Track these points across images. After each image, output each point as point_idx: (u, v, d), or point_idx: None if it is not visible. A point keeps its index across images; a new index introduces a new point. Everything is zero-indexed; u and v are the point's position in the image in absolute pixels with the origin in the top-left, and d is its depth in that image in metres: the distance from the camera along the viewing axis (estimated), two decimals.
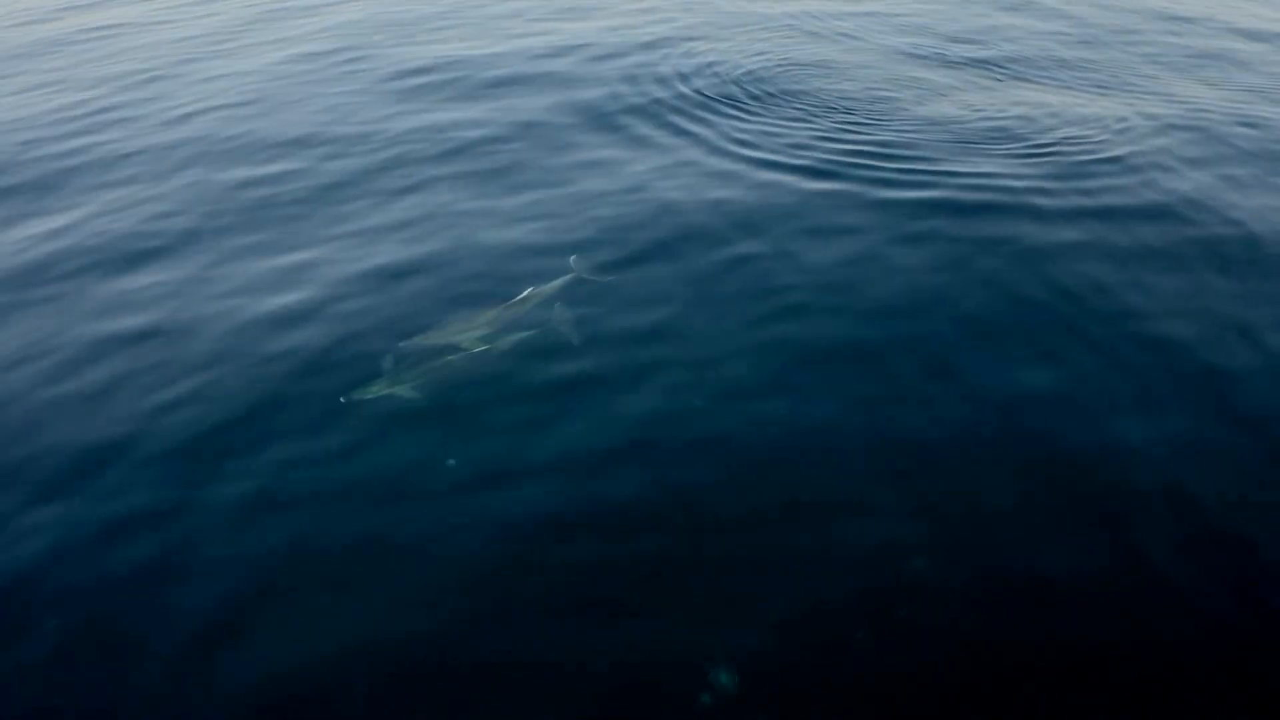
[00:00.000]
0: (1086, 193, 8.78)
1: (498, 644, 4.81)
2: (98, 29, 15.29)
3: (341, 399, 6.12)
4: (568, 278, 7.45)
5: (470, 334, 6.76)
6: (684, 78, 11.68)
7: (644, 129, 10.29)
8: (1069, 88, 11.54)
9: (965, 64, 12.40)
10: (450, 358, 6.54)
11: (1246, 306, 7.19)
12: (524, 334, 6.84)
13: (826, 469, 5.83)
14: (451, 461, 5.83)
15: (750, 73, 11.79)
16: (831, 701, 4.55)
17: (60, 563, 5.25)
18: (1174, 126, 10.19)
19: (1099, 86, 11.58)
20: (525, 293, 7.20)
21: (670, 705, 4.53)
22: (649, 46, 12.86)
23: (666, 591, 5.05)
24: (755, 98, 11.04)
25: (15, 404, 6.38)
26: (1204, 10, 15.32)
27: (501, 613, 4.98)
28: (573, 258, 7.75)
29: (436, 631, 4.89)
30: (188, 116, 11.13)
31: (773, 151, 9.63)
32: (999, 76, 11.90)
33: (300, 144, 10.18)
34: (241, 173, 9.56)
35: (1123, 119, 10.38)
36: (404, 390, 6.24)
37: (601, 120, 10.52)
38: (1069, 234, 8.10)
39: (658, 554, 5.25)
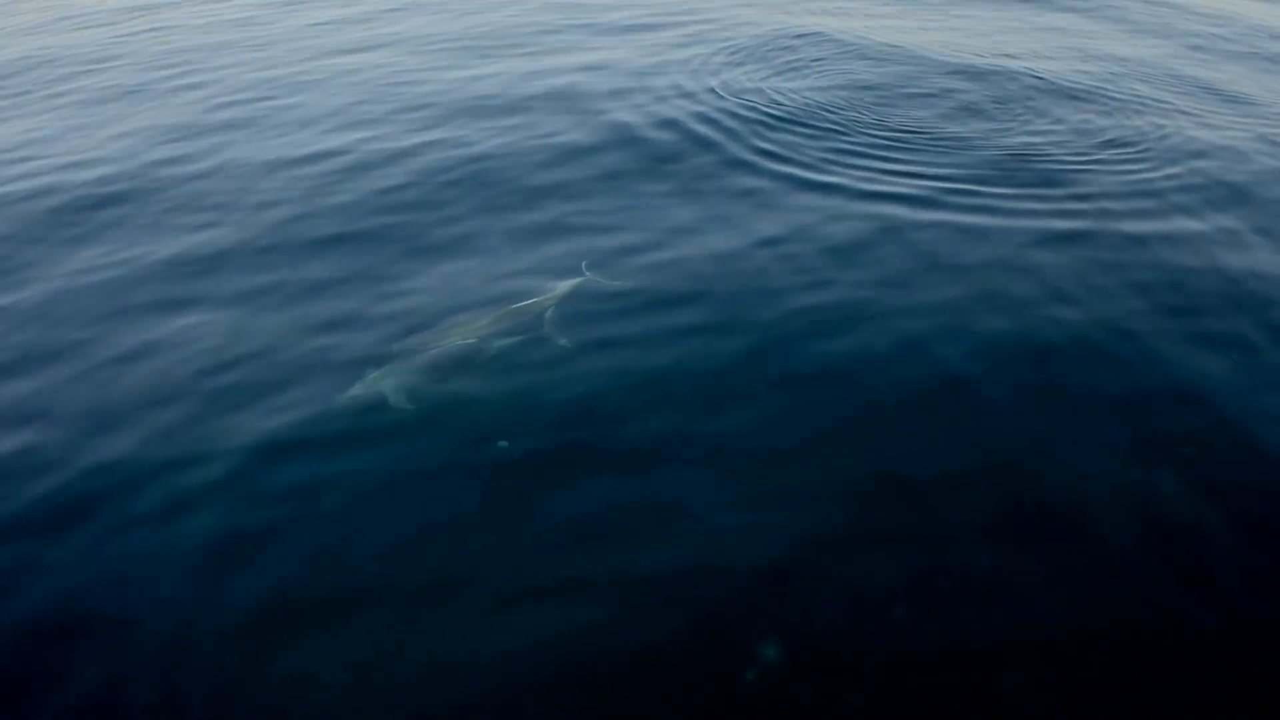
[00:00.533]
0: (1107, 214, 8.83)
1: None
2: (147, 32, 15.83)
3: (339, 396, 6.28)
4: (576, 281, 7.60)
5: (468, 334, 6.88)
6: (714, 93, 11.78)
7: (672, 144, 10.38)
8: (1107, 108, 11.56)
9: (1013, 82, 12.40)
10: (444, 356, 6.68)
11: None
12: (518, 338, 6.92)
13: (844, 454, 6.03)
14: (503, 443, 6.03)
15: (782, 90, 11.89)
16: (871, 676, 4.66)
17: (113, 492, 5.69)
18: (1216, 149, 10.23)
19: (1147, 106, 11.54)
20: (532, 299, 7.32)
21: (715, 674, 4.68)
22: (684, 64, 13.01)
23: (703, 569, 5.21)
24: (784, 110, 11.14)
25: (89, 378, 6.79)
26: None
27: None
28: (585, 263, 7.89)
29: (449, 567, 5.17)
30: (223, 125, 11.42)
31: (799, 166, 9.73)
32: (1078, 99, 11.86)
33: (332, 155, 10.43)
34: (276, 178, 9.88)
35: (1167, 137, 10.46)
36: (400, 384, 6.37)
37: (630, 136, 10.58)
38: (1087, 253, 8.18)
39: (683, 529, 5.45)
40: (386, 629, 4.94)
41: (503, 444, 6.02)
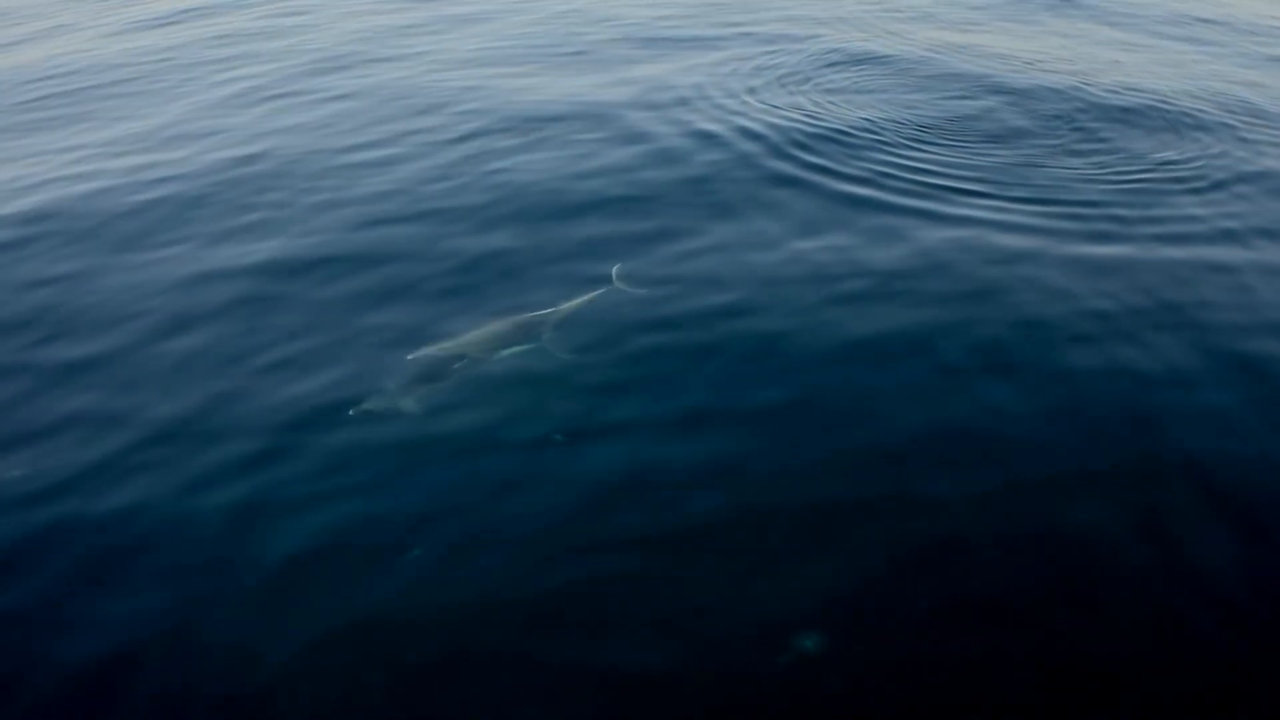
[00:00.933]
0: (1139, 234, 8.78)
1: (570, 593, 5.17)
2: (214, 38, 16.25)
3: (350, 411, 6.26)
4: (599, 291, 7.54)
5: (487, 340, 6.83)
6: (753, 106, 11.81)
7: (709, 158, 10.33)
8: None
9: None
10: (456, 368, 6.66)
11: None
12: (533, 344, 6.86)
13: (873, 447, 6.17)
14: (559, 436, 6.19)
15: (822, 105, 11.84)
16: (898, 669, 4.78)
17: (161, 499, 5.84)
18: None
19: (1198, 125, 11.29)
20: (550, 308, 7.25)
21: (751, 663, 4.81)
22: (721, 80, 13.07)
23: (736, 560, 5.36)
24: (823, 124, 11.11)
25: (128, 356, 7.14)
26: None
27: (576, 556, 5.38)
28: (615, 268, 7.84)
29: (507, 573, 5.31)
30: (269, 127, 11.70)
31: (838, 178, 9.74)
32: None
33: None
34: (318, 177, 10.19)
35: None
36: (414, 399, 6.40)
37: (668, 149, 10.55)
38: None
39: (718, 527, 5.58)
40: (410, 594, 5.20)
41: (557, 436, 6.18)
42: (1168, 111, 11.59)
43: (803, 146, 10.45)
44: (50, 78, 14.11)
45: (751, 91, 12.32)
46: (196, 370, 6.92)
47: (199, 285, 8.01)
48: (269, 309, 7.64)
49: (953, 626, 4.99)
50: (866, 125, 11.04)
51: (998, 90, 12.32)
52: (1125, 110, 11.63)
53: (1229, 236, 8.68)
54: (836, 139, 10.63)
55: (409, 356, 6.77)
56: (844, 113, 11.49)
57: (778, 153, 10.35)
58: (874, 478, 5.95)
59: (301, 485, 5.83)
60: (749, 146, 10.55)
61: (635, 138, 10.87)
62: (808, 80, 12.75)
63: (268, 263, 8.32)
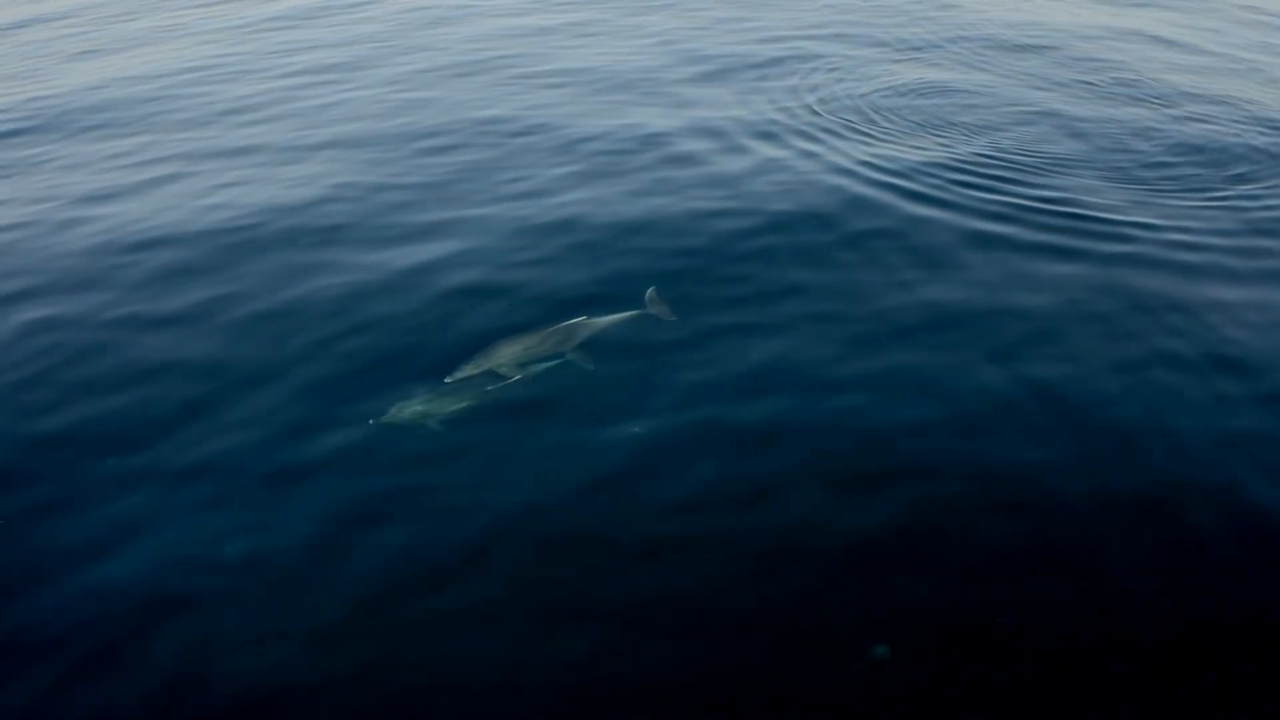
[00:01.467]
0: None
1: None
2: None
3: (370, 421, 6.29)
4: (631, 313, 7.39)
5: (506, 358, 6.77)
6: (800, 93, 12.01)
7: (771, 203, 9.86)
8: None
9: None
10: (486, 386, 6.62)
11: None
12: (555, 360, 6.77)
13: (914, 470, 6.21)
14: (636, 429, 6.32)
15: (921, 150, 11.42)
16: (974, 676, 4.86)
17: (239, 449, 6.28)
18: None
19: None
20: (573, 320, 7.12)
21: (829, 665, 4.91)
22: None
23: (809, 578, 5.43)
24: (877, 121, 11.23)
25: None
26: None
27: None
28: (650, 290, 7.61)
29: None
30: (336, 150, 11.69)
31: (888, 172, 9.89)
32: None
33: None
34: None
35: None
36: (435, 413, 6.35)
37: (744, 190, 10.18)
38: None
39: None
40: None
41: (636, 429, 6.27)
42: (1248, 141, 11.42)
43: (870, 165, 10.47)
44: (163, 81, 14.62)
45: (813, 114, 12.33)
46: (282, 339, 7.33)
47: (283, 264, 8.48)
48: (343, 292, 8.01)
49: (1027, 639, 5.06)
50: (939, 150, 11.00)
51: (1060, 117, 12.24)
52: (1203, 141, 11.43)
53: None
54: (899, 161, 10.61)
55: (446, 379, 6.69)
56: (904, 138, 11.45)
57: (835, 169, 10.38)
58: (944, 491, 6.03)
59: (363, 455, 6.17)
60: (806, 166, 10.57)
61: (690, 161, 10.84)
62: (869, 102, 12.71)
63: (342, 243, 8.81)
